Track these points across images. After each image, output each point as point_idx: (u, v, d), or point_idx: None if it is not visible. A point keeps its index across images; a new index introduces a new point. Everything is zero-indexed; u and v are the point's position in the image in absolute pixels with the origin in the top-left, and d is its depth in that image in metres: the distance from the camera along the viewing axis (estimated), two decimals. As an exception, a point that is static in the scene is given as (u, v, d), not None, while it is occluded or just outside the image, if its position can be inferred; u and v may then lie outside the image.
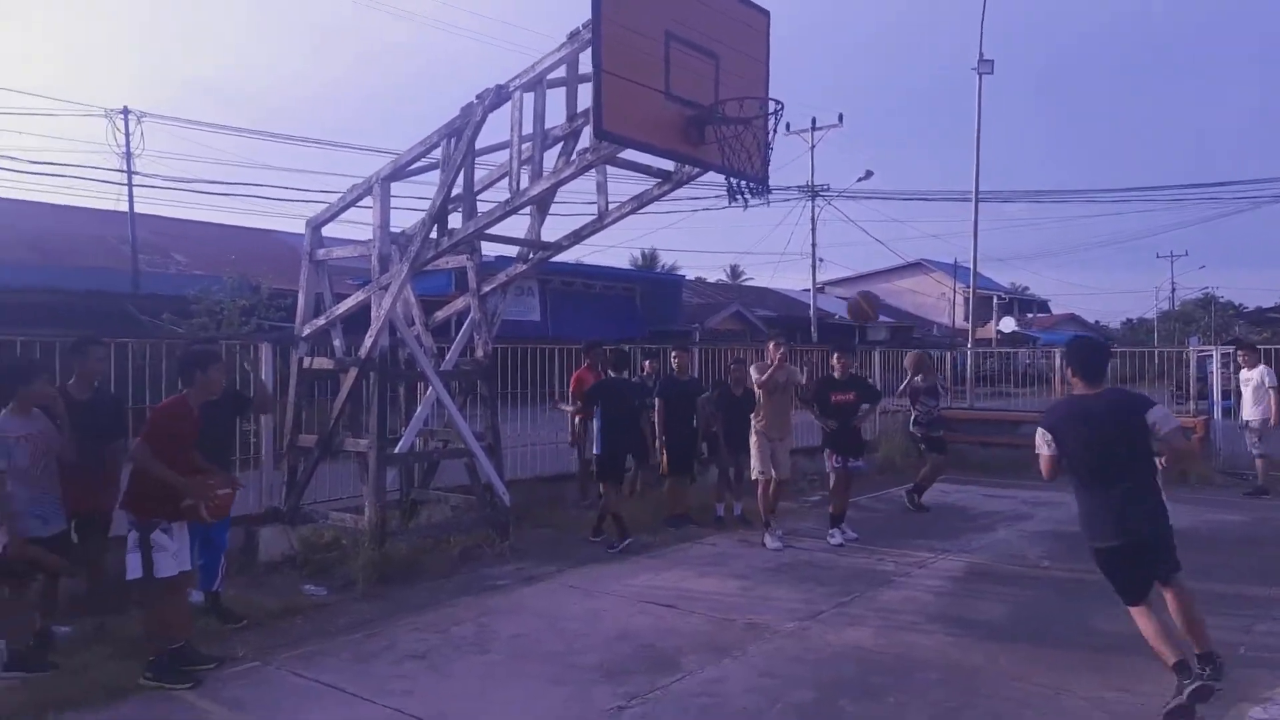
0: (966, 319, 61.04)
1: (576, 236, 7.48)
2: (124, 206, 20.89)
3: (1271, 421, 10.90)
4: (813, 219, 29.94)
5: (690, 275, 52.49)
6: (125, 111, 19.38)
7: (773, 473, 8.31)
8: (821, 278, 60.28)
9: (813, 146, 29.66)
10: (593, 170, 7.31)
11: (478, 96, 6.68)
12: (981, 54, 17.50)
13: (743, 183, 6.22)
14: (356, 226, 10.14)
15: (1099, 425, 4.52)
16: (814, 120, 29.76)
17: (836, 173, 72.96)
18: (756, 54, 6.80)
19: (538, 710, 4.43)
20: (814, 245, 30.12)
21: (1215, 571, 7.27)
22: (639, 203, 6.99)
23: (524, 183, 6.47)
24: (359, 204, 7.71)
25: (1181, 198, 44.97)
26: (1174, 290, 64.54)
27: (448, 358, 8.05)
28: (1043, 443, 4.65)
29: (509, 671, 5.00)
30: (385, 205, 7.31)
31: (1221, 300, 66.03)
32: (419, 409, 7.89)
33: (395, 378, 7.50)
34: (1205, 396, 14.31)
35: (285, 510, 7.61)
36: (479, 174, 7.58)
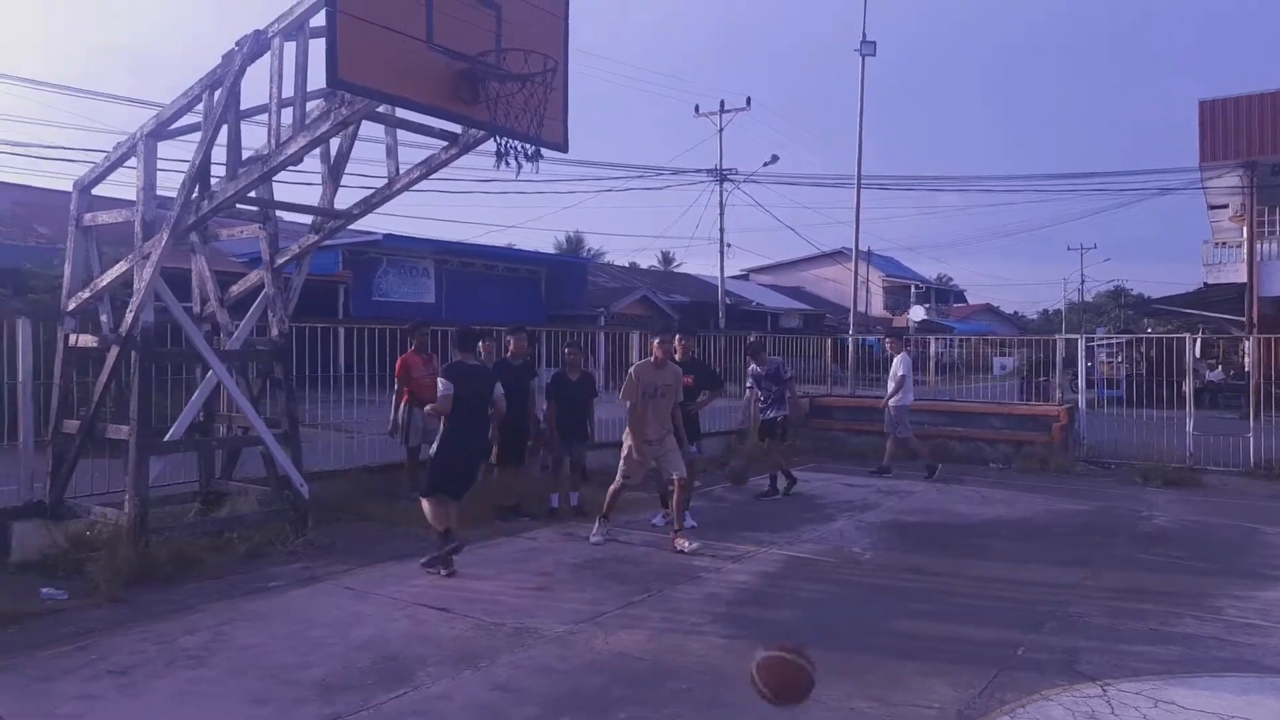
0: (885, 307, 62.04)
1: (366, 205, 6.88)
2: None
3: (886, 402, 11.73)
4: (720, 203, 29.70)
5: (624, 261, 52.12)
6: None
7: (624, 480, 7.74)
8: (744, 265, 60.82)
9: (720, 129, 29.45)
10: (383, 134, 6.76)
11: (237, 43, 6.01)
12: (864, 36, 17.34)
13: (514, 144, 5.69)
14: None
15: None
16: (722, 103, 29.60)
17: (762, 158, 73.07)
18: (551, 8, 6.27)
19: (211, 737, 3.88)
20: (721, 230, 29.89)
21: (1031, 561, 7.11)
22: (427, 168, 6.42)
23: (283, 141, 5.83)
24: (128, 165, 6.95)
25: (1075, 188, 45.82)
26: (1083, 282, 66.53)
27: (234, 335, 7.36)
28: None
29: (214, 689, 4.42)
30: (150, 165, 6.59)
31: (1133, 293, 68.33)
32: (196, 392, 7.19)
33: (159, 356, 6.79)
34: (1092, 385, 14.48)
35: (48, 503, 6.87)
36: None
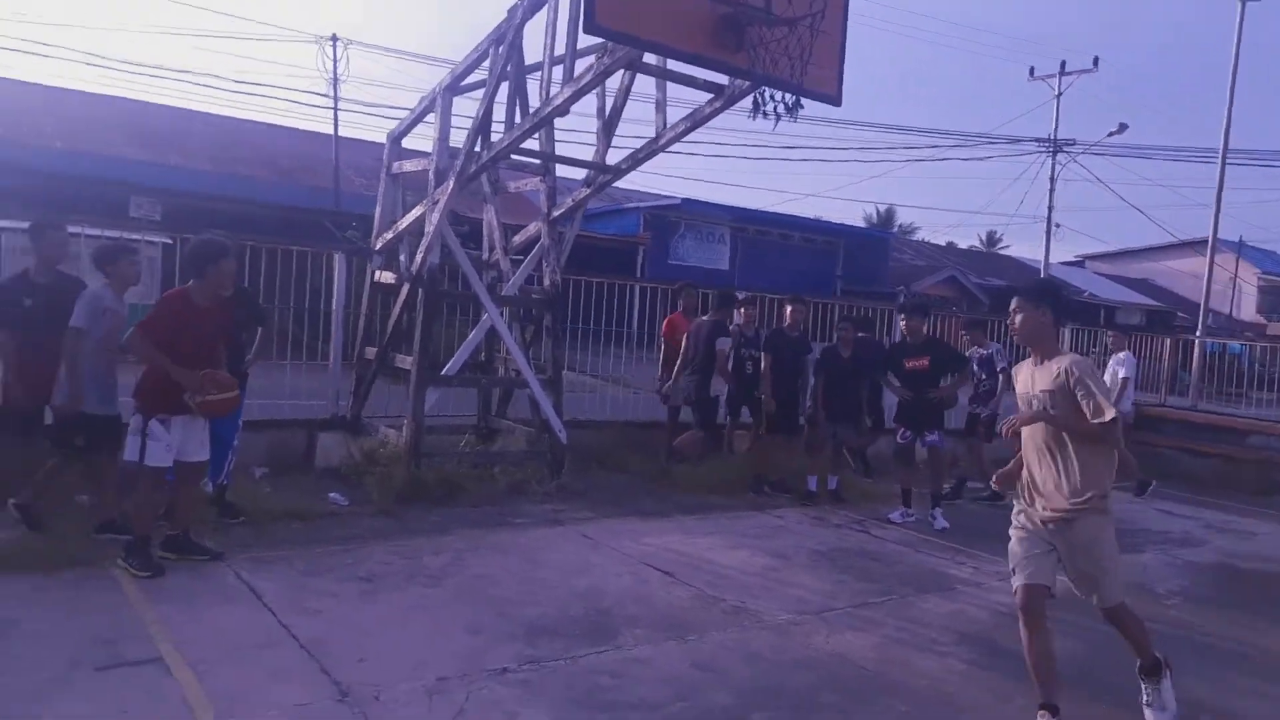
0: (1259, 310, 52.49)
1: (634, 159, 6.83)
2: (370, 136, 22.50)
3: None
4: (1051, 178, 26.55)
5: (941, 240, 49.06)
6: (334, 39, 20.80)
7: (1024, 579, 3.80)
8: (1081, 249, 54.36)
9: (1058, 94, 26.22)
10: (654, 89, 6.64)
11: (518, -2, 6.17)
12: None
13: (774, 95, 5.25)
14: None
15: None
16: (1063, 64, 26.24)
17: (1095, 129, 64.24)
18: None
19: (419, 653, 4.03)
20: (1050, 208, 26.75)
21: None
22: (692, 121, 6.18)
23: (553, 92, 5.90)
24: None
25: None
26: None
27: (510, 283, 7.72)
28: None
29: (437, 609, 4.64)
30: (446, 118, 7.05)
31: None
32: (473, 332, 7.65)
33: (442, 296, 7.27)
34: None
35: (349, 419, 7.72)
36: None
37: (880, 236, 32.03)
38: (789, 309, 8.60)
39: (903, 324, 7.92)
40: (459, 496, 6.98)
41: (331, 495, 6.67)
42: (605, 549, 6.02)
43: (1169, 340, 13.88)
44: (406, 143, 8.18)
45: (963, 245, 55.18)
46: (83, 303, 5.08)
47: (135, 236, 6.56)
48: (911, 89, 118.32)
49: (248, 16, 55.14)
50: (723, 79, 5.85)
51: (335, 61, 20.75)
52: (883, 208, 59.04)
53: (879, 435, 9.50)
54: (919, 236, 53.33)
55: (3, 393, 5.34)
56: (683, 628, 4.66)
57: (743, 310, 8.85)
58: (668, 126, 6.34)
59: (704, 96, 6.27)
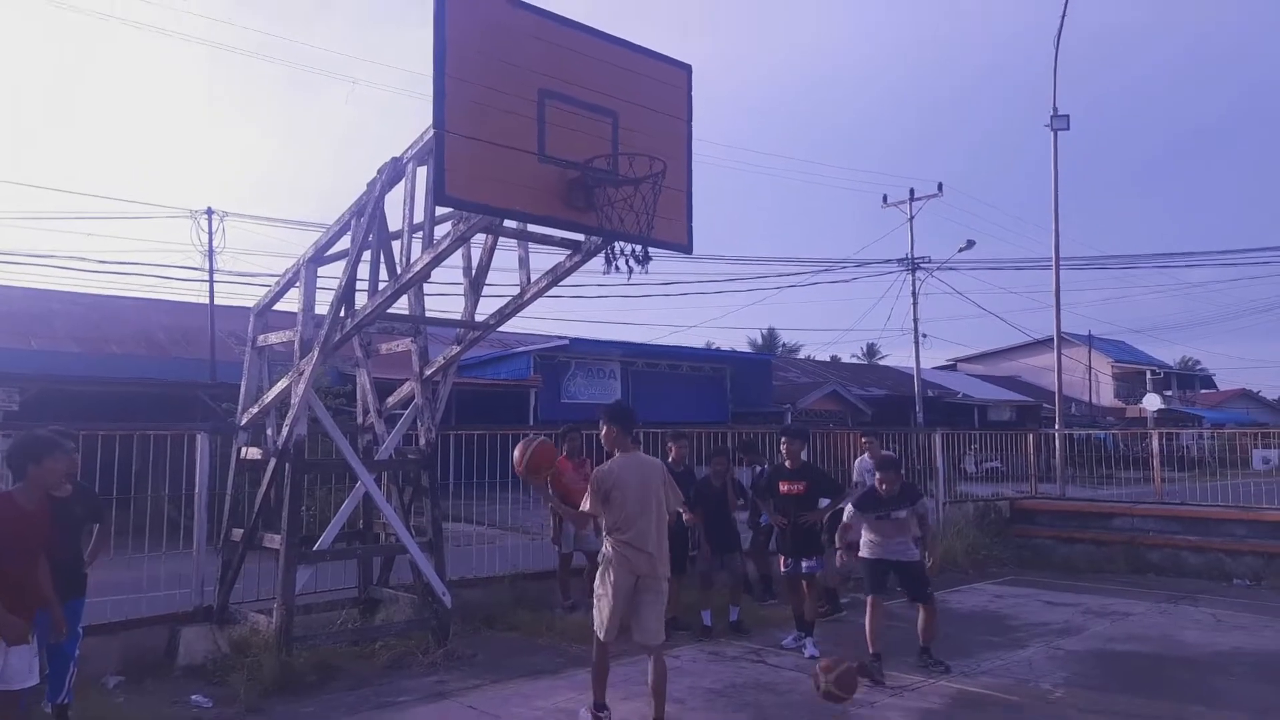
0: (1116, 396, 56.23)
1: (500, 316, 6.99)
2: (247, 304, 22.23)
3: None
4: (913, 293, 28.41)
5: (825, 355, 51.28)
6: (209, 211, 20.82)
7: None
8: (951, 355, 57.76)
9: (910, 218, 28.47)
10: (516, 246, 6.88)
11: (379, 170, 6.39)
12: (1055, 109, 16.11)
13: (627, 248, 5.56)
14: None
15: None
16: (911, 191, 28.67)
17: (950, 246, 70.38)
18: (673, 110, 6.21)
19: None
20: (915, 320, 28.48)
21: (1275, 710, 5.75)
22: (553, 276, 6.42)
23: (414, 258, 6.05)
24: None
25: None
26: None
27: (383, 446, 7.61)
28: None
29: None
30: (309, 289, 7.09)
31: None
32: (345, 502, 7.44)
33: (310, 467, 7.10)
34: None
35: (215, 609, 7.26)
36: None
37: (762, 360, 33.21)
38: (671, 446, 8.69)
39: (783, 447, 8.01)
40: (335, 680, 6.58)
41: (194, 698, 6.16)
42: None
43: (1031, 435, 14.69)
44: (277, 309, 8.15)
45: (845, 358, 57.89)
46: None
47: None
48: (779, 225, 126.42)
49: (118, 196, 54.46)
50: (579, 236, 6.12)
51: (210, 234, 20.66)
52: (765, 331, 61.68)
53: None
54: (804, 354, 55.63)
55: None
56: (570, 798, 4.45)
57: (673, 447, 8.72)
58: (531, 282, 6.54)
59: (565, 252, 6.54)
